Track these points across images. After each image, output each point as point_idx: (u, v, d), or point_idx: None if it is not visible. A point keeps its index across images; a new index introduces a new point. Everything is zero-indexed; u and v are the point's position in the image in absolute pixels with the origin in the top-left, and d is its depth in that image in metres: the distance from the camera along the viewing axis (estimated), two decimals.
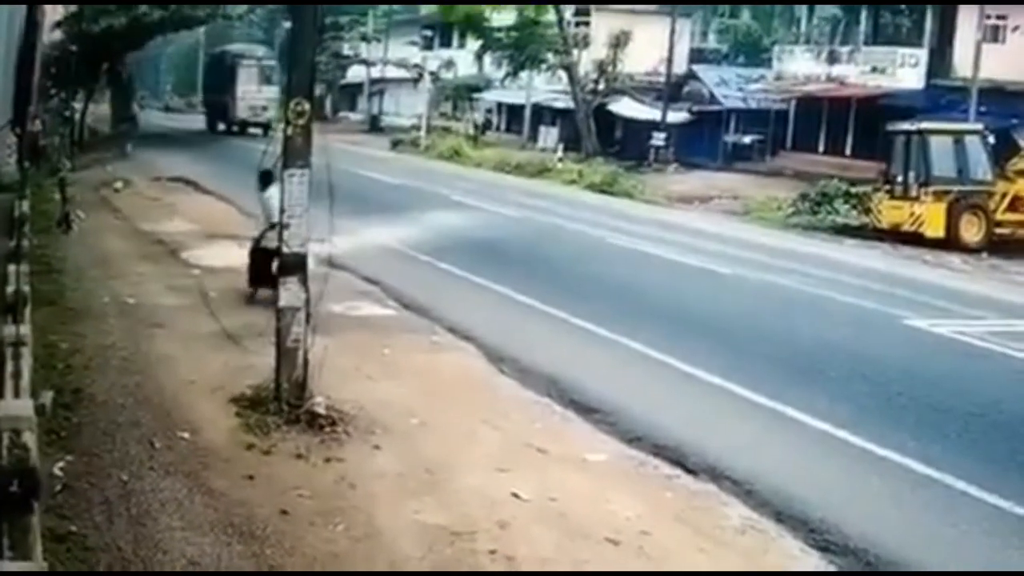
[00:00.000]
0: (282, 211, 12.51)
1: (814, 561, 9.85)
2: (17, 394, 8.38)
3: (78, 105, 46.97)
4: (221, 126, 69.94)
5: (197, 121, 76.91)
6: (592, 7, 65.25)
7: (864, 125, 48.79)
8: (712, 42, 72.91)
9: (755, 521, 10.56)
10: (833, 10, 57.01)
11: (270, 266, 14.69)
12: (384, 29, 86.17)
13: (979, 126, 35.15)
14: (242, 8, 62.00)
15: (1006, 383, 16.34)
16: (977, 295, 24.02)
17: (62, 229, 19.09)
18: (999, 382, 16.34)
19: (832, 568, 9.76)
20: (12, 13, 12.31)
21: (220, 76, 71.92)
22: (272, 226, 15.85)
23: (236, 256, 22.04)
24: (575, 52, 60.70)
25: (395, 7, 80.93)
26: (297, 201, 12.46)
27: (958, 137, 33.63)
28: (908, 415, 14.09)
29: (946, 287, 25.01)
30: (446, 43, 78.87)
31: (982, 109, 39.28)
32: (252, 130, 64.73)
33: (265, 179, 17.26)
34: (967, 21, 44.60)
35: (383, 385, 13.96)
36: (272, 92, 61.91)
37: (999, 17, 45.15)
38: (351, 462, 11.11)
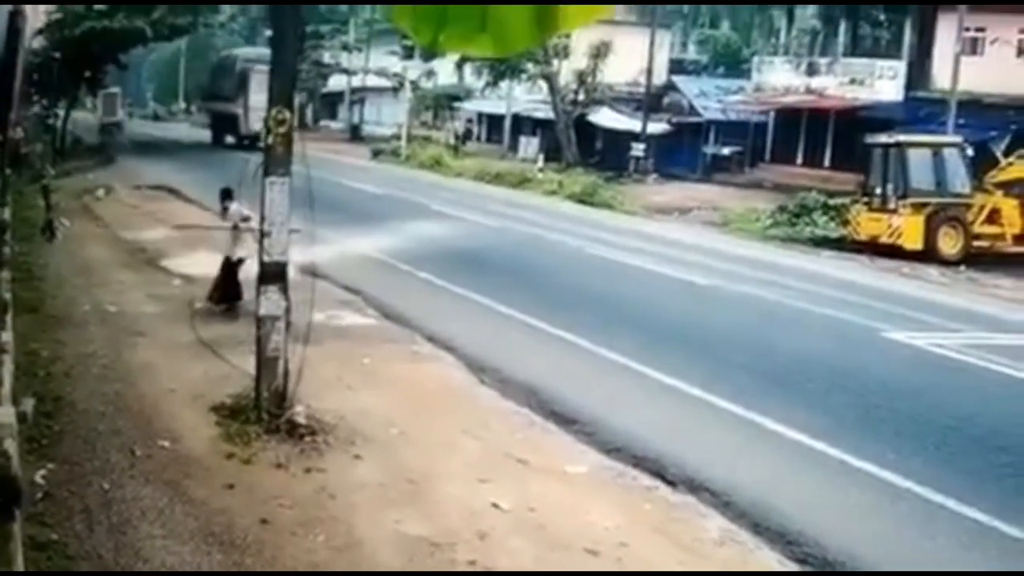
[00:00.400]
0: (262, 220, 12.51)
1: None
2: None
3: (60, 112, 46.85)
4: (229, 139, 65.21)
5: (179, 130, 76.62)
6: None
7: (843, 137, 49.02)
8: (692, 53, 73.21)
9: (733, 533, 10.63)
10: (812, 22, 57.27)
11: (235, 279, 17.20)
12: (365, 38, 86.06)
13: (957, 138, 35.27)
14: (224, 17, 61.94)
15: (983, 396, 16.39)
16: (955, 307, 24.10)
17: (46, 236, 19.06)
18: (976, 395, 16.40)
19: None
20: None
21: (228, 83, 66.04)
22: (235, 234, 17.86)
23: (216, 265, 22.11)
24: (555, 62, 60.72)
25: (377, 16, 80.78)
26: (278, 210, 12.47)
27: (936, 149, 33.74)
28: (886, 427, 14.14)
29: (924, 299, 25.07)
30: (427, 53, 78.94)
31: (960, 121, 39.39)
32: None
33: (225, 196, 18.40)
34: (946, 33, 44.79)
35: (363, 395, 13.97)
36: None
37: (978, 29, 45.34)
38: (331, 472, 11.13)
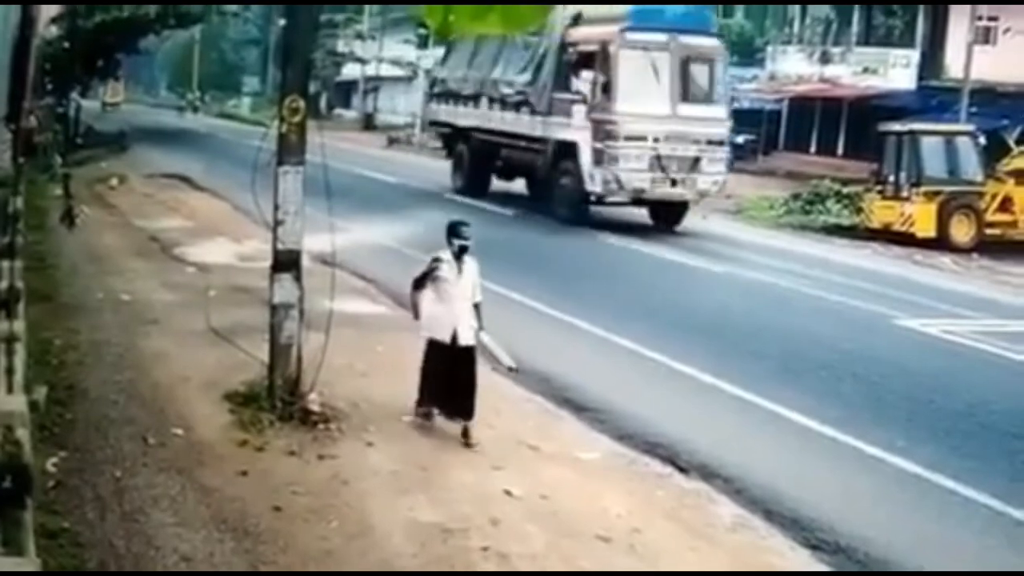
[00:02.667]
0: (276, 208, 12.54)
1: (804, 559, 9.91)
2: (10, 390, 8.32)
3: (73, 101, 46.88)
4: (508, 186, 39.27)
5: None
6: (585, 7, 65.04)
7: (856, 125, 48.96)
8: None
9: (745, 519, 10.66)
10: (826, 10, 57.10)
11: (453, 372, 12.22)
12: (379, 27, 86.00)
13: (970, 127, 35.23)
14: (237, 7, 61.92)
15: (995, 383, 16.42)
16: (967, 295, 24.08)
17: (65, 224, 19.17)
18: (988, 382, 16.43)
19: (823, 567, 9.82)
20: (7, 9, 12.31)
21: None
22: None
23: (230, 253, 22.17)
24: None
25: (390, 5, 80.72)
26: (291, 198, 12.50)
27: (949, 138, 33.72)
28: (898, 414, 14.18)
29: (936, 287, 25.06)
30: (441, 41, 78.89)
31: (973, 110, 39.37)
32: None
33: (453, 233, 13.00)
34: (958, 23, 44.75)
35: (377, 382, 13.98)
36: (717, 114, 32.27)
37: (990, 19, 45.28)
38: (344, 459, 11.15)
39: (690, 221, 32.72)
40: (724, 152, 32.33)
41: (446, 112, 40.17)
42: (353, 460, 11.17)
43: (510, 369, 13.61)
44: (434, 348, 12.25)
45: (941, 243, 31.88)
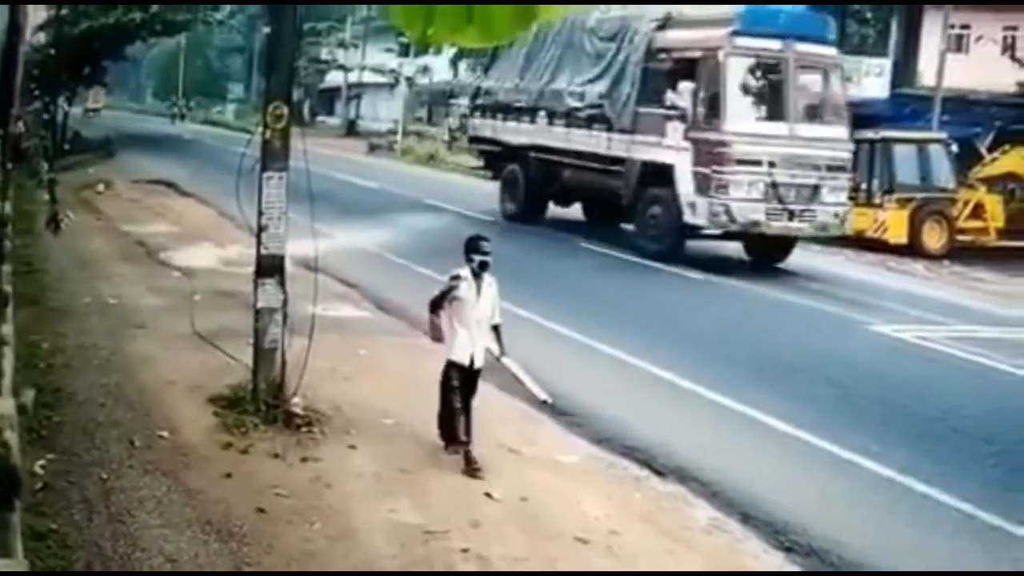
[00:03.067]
0: (260, 213, 12.65)
1: (778, 561, 10.06)
2: None
3: (61, 107, 46.84)
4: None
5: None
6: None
7: None
8: None
9: (721, 522, 10.80)
10: None
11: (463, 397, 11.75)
12: (362, 35, 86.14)
13: (942, 135, 35.58)
14: (222, 14, 61.83)
15: (967, 388, 16.62)
16: (939, 301, 24.26)
17: (51, 229, 19.25)
18: (960, 387, 16.62)
19: (796, 569, 9.97)
20: None
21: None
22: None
23: (215, 258, 22.24)
24: None
25: (373, 13, 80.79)
26: (275, 204, 12.62)
27: (922, 145, 34.08)
28: (871, 418, 14.34)
29: (909, 293, 25.23)
30: (422, 49, 79.00)
31: (945, 118, 39.56)
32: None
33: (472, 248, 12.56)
34: (931, 31, 44.89)
35: (359, 386, 14.12)
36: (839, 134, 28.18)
37: (963, 27, 45.46)
38: (327, 462, 11.26)
39: None
40: (847, 179, 28.16)
41: (492, 127, 35.40)
42: (336, 463, 11.27)
43: (543, 402, 13.71)
44: (454, 370, 11.75)
45: (913, 249, 32.18)
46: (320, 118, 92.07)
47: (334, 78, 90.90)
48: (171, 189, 37.23)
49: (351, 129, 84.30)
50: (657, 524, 10.60)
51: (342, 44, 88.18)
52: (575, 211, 33.96)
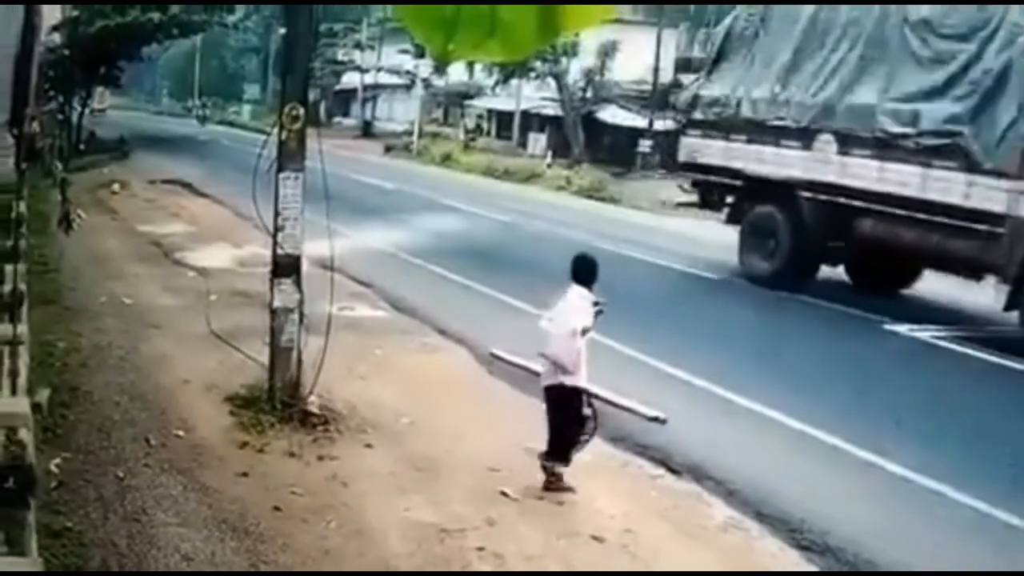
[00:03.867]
0: (276, 213, 12.67)
1: (794, 559, 10.03)
2: (14, 392, 8.46)
3: (76, 107, 47.03)
4: None
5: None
6: None
7: None
8: (697, 52, 73.22)
9: (737, 520, 10.77)
10: None
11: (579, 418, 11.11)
12: (378, 36, 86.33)
13: None
14: (236, 16, 61.99)
15: (983, 387, 16.69)
16: (956, 302, 24.16)
17: (63, 228, 19.31)
18: (976, 386, 16.69)
19: (813, 567, 9.94)
20: (9, 17, 12.43)
21: None
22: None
23: (231, 258, 22.28)
24: (564, 60, 61.10)
25: (389, 14, 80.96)
26: (291, 204, 12.65)
27: None
28: (886, 417, 14.32)
29: (924, 294, 25.16)
30: None
31: None
32: None
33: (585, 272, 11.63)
34: None
35: (375, 385, 14.15)
36: None
37: None
38: (343, 460, 11.30)
39: (680, 226, 32.62)
40: None
41: (725, 152, 26.37)
42: (352, 461, 11.30)
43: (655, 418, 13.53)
44: (582, 397, 11.14)
45: None
46: (336, 119, 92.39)
47: (350, 79, 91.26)
48: (186, 189, 37.38)
49: (367, 130, 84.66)
50: (673, 522, 10.58)
51: (358, 45, 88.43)
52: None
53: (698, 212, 32.55)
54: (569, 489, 10.95)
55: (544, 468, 11.02)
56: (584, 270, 11.45)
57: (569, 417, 11.02)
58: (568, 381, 10.89)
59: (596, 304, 11.09)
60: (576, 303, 11.00)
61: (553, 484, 10.98)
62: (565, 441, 11.07)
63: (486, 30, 3.85)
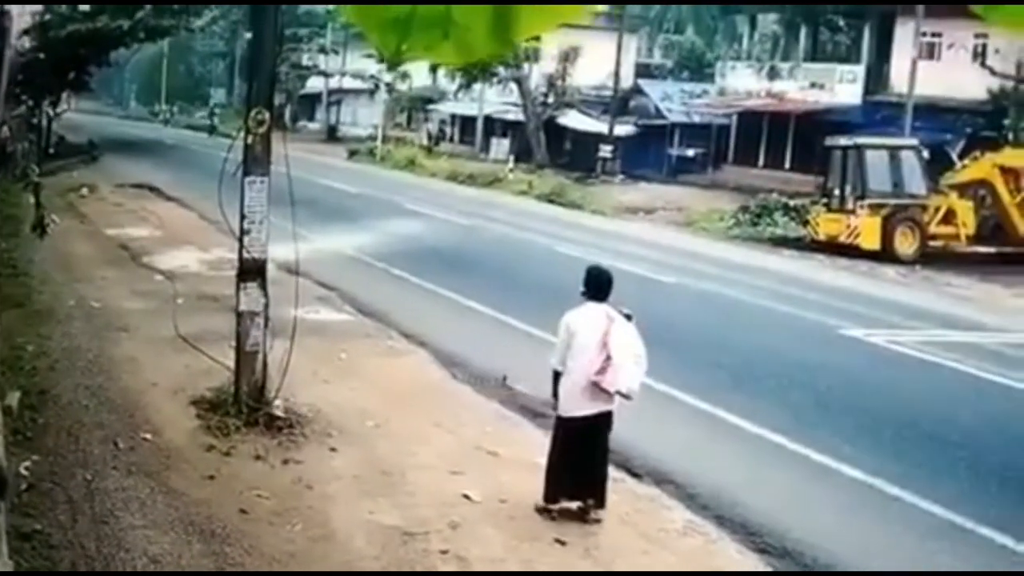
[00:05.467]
0: (242, 217, 12.76)
1: (752, 563, 10.19)
2: None
3: (46, 111, 46.90)
4: None
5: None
6: None
7: (803, 139, 49.48)
8: (658, 58, 73.65)
9: (697, 524, 10.92)
10: (774, 27, 57.82)
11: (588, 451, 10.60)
12: (342, 41, 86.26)
13: (914, 141, 35.85)
14: (204, 20, 61.81)
15: (938, 391, 16.88)
16: (911, 306, 24.44)
17: (37, 233, 19.37)
18: (931, 390, 16.88)
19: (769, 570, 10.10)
20: None
21: None
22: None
23: (198, 261, 22.35)
24: (526, 66, 61.37)
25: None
26: (257, 208, 12.76)
27: (893, 152, 34.32)
28: (844, 422, 14.50)
29: (881, 298, 25.46)
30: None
31: (917, 124, 40.15)
32: None
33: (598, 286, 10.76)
34: (904, 38, 45.47)
35: (340, 389, 14.27)
36: None
37: (934, 35, 45.91)
38: (308, 463, 11.41)
39: (639, 231, 32.85)
40: None
41: None
42: (316, 464, 11.41)
43: None
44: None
45: (885, 255, 32.41)
46: (301, 123, 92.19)
47: (315, 84, 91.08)
48: (154, 193, 37.35)
49: (332, 134, 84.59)
50: (634, 526, 10.71)
51: (323, 50, 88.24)
52: None
53: (655, 217, 32.90)
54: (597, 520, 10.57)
55: (585, 512, 10.54)
56: (603, 286, 10.73)
57: (605, 445, 10.77)
58: (608, 407, 10.60)
59: (629, 318, 10.61)
60: (627, 329, 10.47)
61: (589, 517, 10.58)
62: (603, 473, 10.74)
63: (440, 32, 3.95)
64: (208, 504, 10.15)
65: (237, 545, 9.35)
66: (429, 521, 10.16)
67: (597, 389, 10.35)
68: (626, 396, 10.48)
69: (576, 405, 10.48)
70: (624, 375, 10.31)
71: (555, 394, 10.67)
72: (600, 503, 10.60)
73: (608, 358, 10.24)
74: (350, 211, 35.26)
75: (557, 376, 10.61)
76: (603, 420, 10.57)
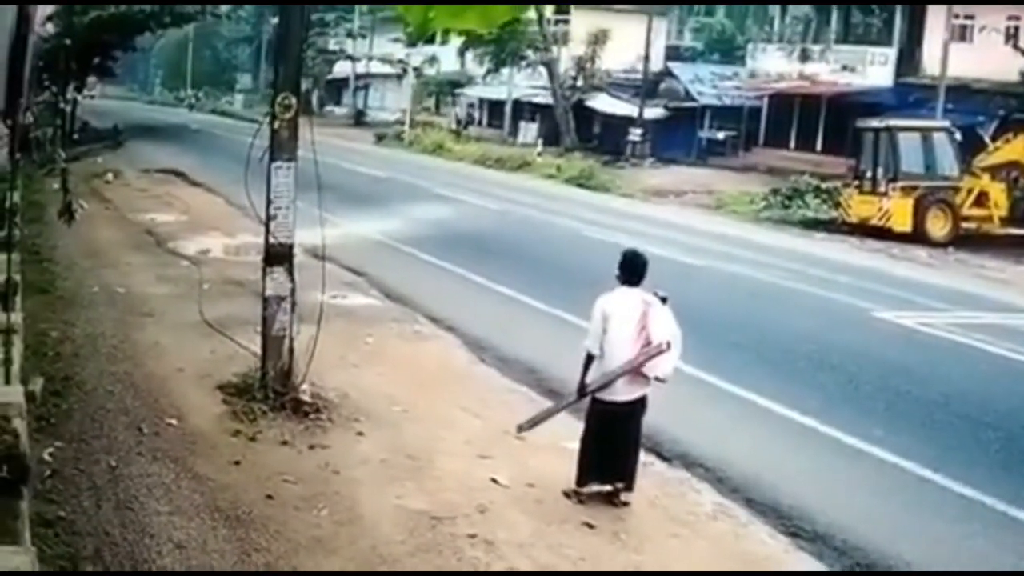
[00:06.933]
0: (269, 202, 12.72)
1: (783, 546, 10.09)
2: (8, 381, 8.42)
3: (70, 97, 47.09)
4: None
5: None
6: (572, 5, 65.39)
7: (834, 122, 49.28)
8: (688, 40, 73.55)
9: (726, 507, 10.85)
10: (805, 9, 57.66)
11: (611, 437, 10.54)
12: (369, 26, 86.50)
13: (946, 123, 35.78)
14: (228, 7, 62.04)
15: (969, 373, 16.72)
16: (942, 288, 24.39)
17: (64, 219, 19.34)
18: (962, 372, 16.73)
19: (803, 554, 9.98)
20: (2, 6, 12.48)
21: None
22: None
23: (223, 247, 22.36)
24: (555, 49, 61.37)
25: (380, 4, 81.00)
26: (284, 193, 12.71)
27: (926, 134, 34.24)
28: (874, 405, 14.43)
29: (913, 280, 25.44)
30: (429, 39, 79.16)
31: (949, 106, 39.97)
32: None
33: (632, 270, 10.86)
34: (936, 21, 45.29)
35: (366, 373, 14.22)
36: None
37: (967, 17, 45.67)
38: (335, 448, 11.35)
39: (669, 214, 32.78)
40: None
41: None
42: (343, 449, 11.36)
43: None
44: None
45: (917, 237, 32.35)
46: (328, 108, 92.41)
47: (342, 68, 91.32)
48: (179, 178, 37.46)
49: (359, 119, 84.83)
50: (664, 509, 10.65)
51: (350, 34, 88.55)
52: None
53: (684, 200, 32.86)
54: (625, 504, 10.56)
55: (615, 495, 10.53)
56: (638, 270, 10.79)
57: (639, 429, 10.70)
58: (644, 392, 10.55)
59: (664, 301, 10.56)
60: (664, 313, 10.45)
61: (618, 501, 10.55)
62: (635, 458, 10.71)
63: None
64: (234, 489, 10.09)
65: (263, 530, 9.29)
66: (457, 505, 10.10)
67: (637, 374, 10.30)
68: (662, 380, 10.42)
69: (614, 390, 10.38)
70: (664, 360, 10.27)
71: (584, 377, 10.54)
72: (629, 487, 10.54)
73: (648, 343, 10.19)
74: (377, 196, 35.25)
75: (589, 360, 10.49)
76: (639, 405, 10.51)
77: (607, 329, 10.34)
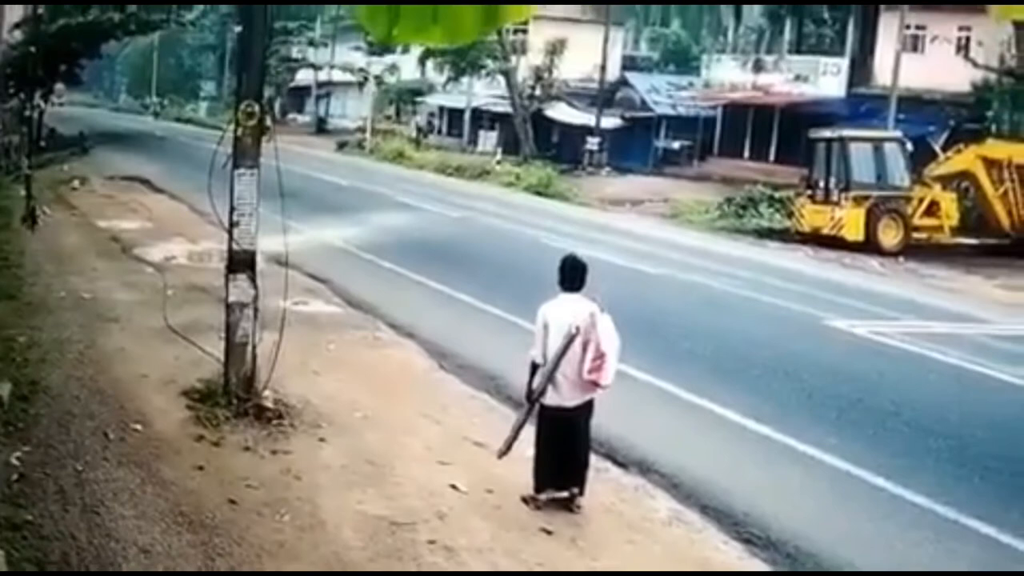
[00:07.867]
0: (232, 209, 12.82)
1: (737, 552, 10.26)
2: None
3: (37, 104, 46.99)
4: None
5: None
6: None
7: (788, 132, 49.73)
8: (644, 50, 73.93)
9: (681, 513, 11.02)
10: (759, 20, 58.07)
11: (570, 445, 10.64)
12: (331, 34, 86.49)
13: (898, 133, 36.20)
14: (193, 14, 61.94)
15: (921, 382, 16.95)
16: (894, 297, 24.64)
17: (27, 225, 19.38)
18: (914, 381, 16.95)
19: (756, 560, 10.14)
20: None
21: None
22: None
23: (187, 253, 22.43)
24: (513, 58, 61.55)
25: (342, 12, 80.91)
26: (246, 200, 12.82)
27: (877, 144, 34.64)
28: (828, 412, 14.62)
29: (865, 289, 25.68)
30: (390, 48, 79.27)
31: (901, 117, 40.46)
32: None
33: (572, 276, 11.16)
34: (888, 31, 45.78)
35: (328, 380, 14.32)
36: None
37: (918, 27, 46.20)
38: (297, 454, 11.46)
39: (625, 223, 32.87)
40: None
41: None
42: (305, 455, 11.46)
43: None
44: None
45: (869, 246, 32.73)
46: (290, 116, 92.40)
47: (304, 76, 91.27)
48: (144, 185, 37.48)
49: (321, 127, 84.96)
50: (619, 515, 10.80)
51: (312, 43, 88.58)
52: None
53: (641, 209, 33.05)
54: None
55: (571, 501, 10.64)
56: (576, 276, 11.08)
57: (588, 433, 10.85)
58: (591, 396, 10.67)
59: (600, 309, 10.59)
60: (608, 321, 10.58)
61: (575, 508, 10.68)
62: (586, 461, 10.87)
63: (429, 16, 4.00)
64: (197, 494, 10.19)
65: (226, 535, 9.38)
66: (417, 511, 10.21)
67: (587, 382, 10.43)
68: (603, 387, 10.59)
69: (562, 397, 10.54)
70: (612, 368, 10.42)
71: (530, 384, 10.71)
72: (581, 491, 10.69)
73: (602, 355, 10.31)
74: (339, 203, 35.35)
75: (535, 368, 10.66)
76: (586, 409, 10.69)
77: (548, 336, 10.50)
